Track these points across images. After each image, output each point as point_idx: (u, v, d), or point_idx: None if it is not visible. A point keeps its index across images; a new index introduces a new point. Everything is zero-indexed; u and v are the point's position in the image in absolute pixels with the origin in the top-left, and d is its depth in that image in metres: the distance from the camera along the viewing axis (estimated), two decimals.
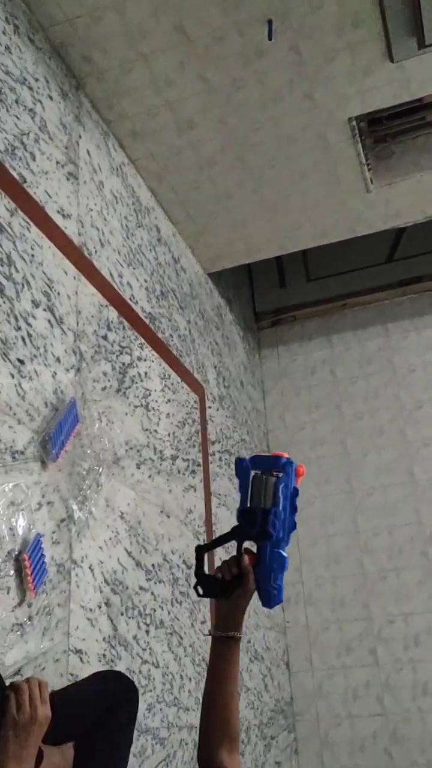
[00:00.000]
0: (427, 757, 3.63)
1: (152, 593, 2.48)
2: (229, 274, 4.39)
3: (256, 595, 1.23)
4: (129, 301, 2.81)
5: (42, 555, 1.80)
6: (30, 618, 1.75)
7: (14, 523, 1.75)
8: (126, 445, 2.51)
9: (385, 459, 4.28)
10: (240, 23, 2.50)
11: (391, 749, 3.70)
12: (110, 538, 2.25)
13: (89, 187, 2.64)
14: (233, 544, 1.27)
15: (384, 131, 3.19)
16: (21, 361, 1.94)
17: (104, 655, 2.08)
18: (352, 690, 3.87)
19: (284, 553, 1.22)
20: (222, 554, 1.40)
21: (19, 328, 1.97)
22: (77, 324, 2.33)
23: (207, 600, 2.95)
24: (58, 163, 2.41)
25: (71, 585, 1.97)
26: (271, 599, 1.23)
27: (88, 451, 2.23)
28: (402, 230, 4.41)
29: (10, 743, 1.19)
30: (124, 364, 2.64)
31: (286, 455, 1.26)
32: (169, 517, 2.75)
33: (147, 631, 2.39)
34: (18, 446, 1.83)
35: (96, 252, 2.59)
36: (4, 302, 1.92)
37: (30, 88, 2.29)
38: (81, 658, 1.95)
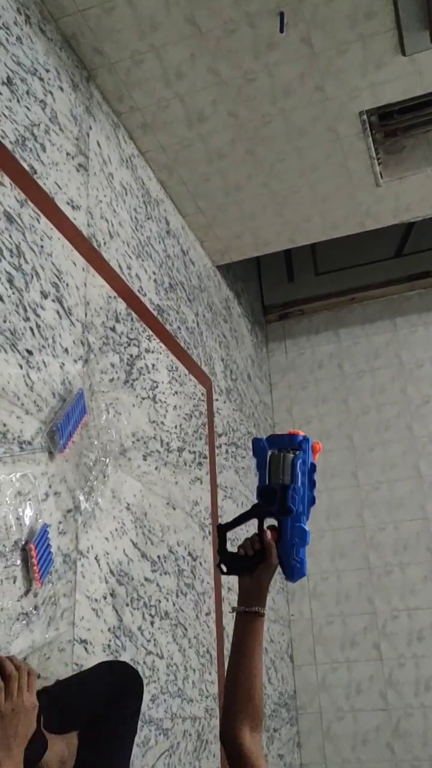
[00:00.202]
0: (429, 752, 3.65)
1: (157, 584, 2.49)
2: (237, 267, 4.38)
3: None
4: (137, 293, 2.82)
5: (48, 545, 1.81)
6: (36, 607, 1.76)
7: (21, 513, 1.76)
8: (133, 436, 2.52)
9: (391, 454, 4.28)
10: (251, 15, 2.49)
11: (394, 744, 3.71)
12: (116, 529, 2.26)
13: (99, 178, 2.64)
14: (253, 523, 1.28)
15: (395, 125, 3.17)
16: (29, 352, 1.95)
17: (109, 646, 2.10)
18: (355, 684, 3.88)
19: (305, 527, 1.24)
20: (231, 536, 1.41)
21: (27, 319, 1.98)
22: (86, 315, 2.34)
23: (210, 592, 2.97)
24: (68, 154, 2.41)
25: (77, 575, 1.98)
26: (294, 572, 1.25)
27: (95, 442, 2.24)
28: (411, 225, 4.38)
29: None
30: (131, 355, 2.64)
31: (302, 433, 1.29)
32: (175, 509, 2.76)
33: (152, 622, 2.40)
34: (26, 436, 1.84)
35: (105, 243, 2.59)
36: (14, 293, 1.93)
37: (41, 79, 2.29)
38: (86, 648, 1.97)
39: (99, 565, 2.11)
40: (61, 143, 2.37)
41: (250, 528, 1.33)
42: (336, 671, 3.93)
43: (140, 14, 2.47)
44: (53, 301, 2.13)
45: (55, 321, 2.12)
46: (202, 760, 2.60)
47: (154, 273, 3.02)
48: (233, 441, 3.76)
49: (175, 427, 2.95)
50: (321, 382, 4.63)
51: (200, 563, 2.91)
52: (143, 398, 2.67)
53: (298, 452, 1.26)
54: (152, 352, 2.85)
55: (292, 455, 1.26)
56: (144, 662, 2.29)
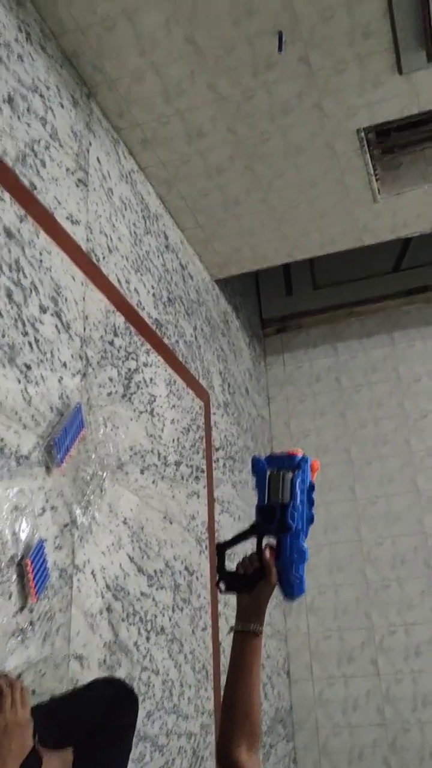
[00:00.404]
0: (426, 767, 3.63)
1: (153, 599, 2.49)
2: (236, 281, 4.40)
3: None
4: (136, 307, 2.83)
5: (44, 560, 1.81)
6: (31, 623, 1.76)
7: (17, 528, 1.76)
8: (130, 450, 2.52)
9: (389, 468, 4.28)
10: (250, 35, 2.52)
11: (390, 759, 3.69)
12: (113, 544, 2.26)
13: (99, 193, 2.66)
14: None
15: (392, 142, 3.19)
16: (28, 366, 1.96)
17: (105, 661, 2.09)
18: (352, 700, 3.86)
19: (304, 545, 1.25)
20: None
21: (26, 334, 1.99)
22: (84, 329, 2.35)
23: (207, 607, 2.96)
24: (68, 170, 2.43)
25: (73, 590, 1.98)
26: (293, 590, 1.26)
27: (93, 456, 2.24)
28: (409, 240, 4.42)
29: None
30: (129, 369, 2.65)
31: (300, 452, 1.29)
32: (171, 523, 2.76)
33: (147, 638, 2.39)
34: (23, 451, 1.85)
35: (104, 258, 2.61)
36: (12, 308, 1.94)
37: (42, 96, 2.31)
38: (81, 664, 1.96)
39: (95, 580, 2.11)
40: (61, 159, 2.39)
41: (249, 546, 1.33)
42: (333, 686, 3.91)
43: (140, 32, 2.50)
44: (52, 315, 2.14)
45: (53, 335, 2.13)
46: None
47: (152, 287, 3.04)
48: (230, 455, 3.76)
49: (173, 440, 2.95)
50: (319, 395, 4.64)
51: (197, 578, 2.91)
52: (141, 412, 2.68)
53: (297, 471, 1.27)
54: (150, 365, 2.86)
55: (291, 474, 1.26)
56: (140, 678, 2.28)
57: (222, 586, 1.26)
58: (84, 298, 2.39)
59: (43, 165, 2.26)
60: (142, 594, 2.41)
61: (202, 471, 3.25)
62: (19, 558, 1.74)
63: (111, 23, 2.45)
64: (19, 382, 1.90)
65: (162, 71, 2.65)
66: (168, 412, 2.96)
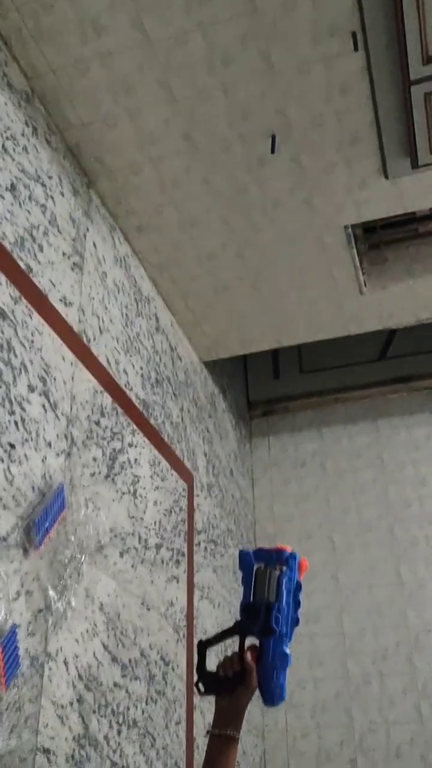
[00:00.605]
0: None
1: (127, 690, 2.40)
2: (224, 363, 4.47)
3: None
4: (124, 388, 2.86)
5: (16, 647, 1.76)
6: None
7: None
8: (111, 532, 2.49)
9: (372, 557, 4.23)
10: (244, 135, 2.66)
11: None
12: (87, 631, 2.20)
13: (93, 277, 2.73)
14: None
15: (378, 238, 3.33)
16: (12, 446, 1.96)
17: (73, 756, 2.00)
18: None
19: (287, 650, 1.23)
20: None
21: (13, 413, 2.00)
22: (71, 409, 2.36)
23: (182, 699, 2.86)
24: (64, 254, 2.50)
25: (44, 679, 1.91)
26: (273, 698, 1.22)
27: (72, 538, 2.21)
28: (394, 330, 4.53)
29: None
30: (114, 449, 2.65)
31: (289, 548, 1.29)
32: (149, 609, 2.70)
33: (119, 731, 2.30)
34: (1, 532, 1.82)
35: (95, 339, 2.65)
36: (1, 387, 1.95)
37: (43, 185, 2.41)
38: (48, 759, 1.88)
39: (67, 669, 2.05)
40: (59, 244, 2.47)
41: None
42: None
43: (141, 130, 2.63)
44: (40, 395, 2.16)
45: (40, 414, 2.14)
46: None
47: (141, 368, 3.08)
48: (212, 538, 3.71)
49: (154, 522, 2.92)
50: (303, 479, 4.64)
51: (172, 668, 2.82)
52: (124, 493, 2.66)
53: (284, 569, 1.26)
54: (135, 446, 2.86)
55: (278, 572, 1.25)
56: None
57: (201, 687, 1.23)
58: (73, 378, 2.42)
59: (41, 249, 2.33)
60: (115, 684, 2.32)
61: (183, 554, 3.20)
62: None
63: (113, 121, 2.59)
64: (3, 461, 1.90)
65: (159, 165, 2.78)
66: (151, 494, 2.94)
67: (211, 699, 1.28)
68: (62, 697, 2.00)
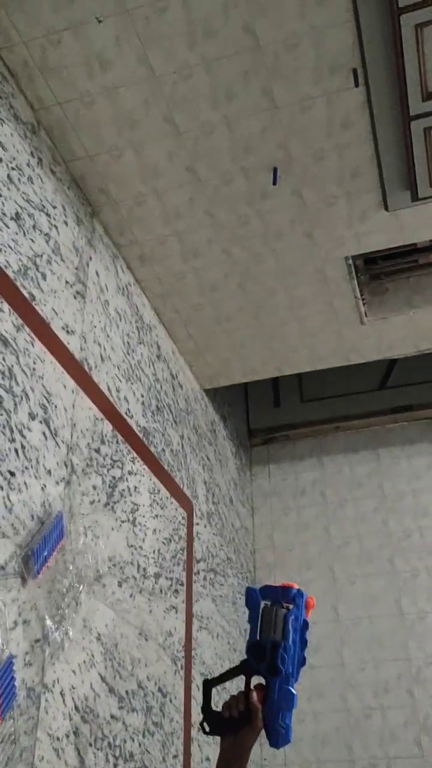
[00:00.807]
0: None
1: (124, 723, 2.37)
2: (225, 391, 4.48)
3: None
4: (125, 415, 2.86)
5: (13, 678, 1.74)
6: None
7: None
8: (109, 561, 2.48)
9: (372, 588, 4.20)
10: (247, 169, 2.70)
11: None
12: (84, 662, 2.18)
13: (95, 305, 2.76)
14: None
15: (379, 270, 3.36)
16: (12, 473, 1.96)
17: None
18: None
19: (294, 690, 1.21)
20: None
21: (13, 440, 2.00)
22: (71, 437, 2.36)
23: (180, 732, 2.82)
24: (67, 282, 2.53)
25: (40, 711, 1.89)
26: (279, 739, 1.21)
27: (70, 567, 2.20)
28: (395, 360, 4.55)
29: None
30: (114, 477, 2.65)
31: (296, 586, 1.28)
32: (147, 639, 2.67)
33: (115, 765, 2.26)
34: None
35: (96, 367, 2.66)
36: (2, 414, 1.96)
37: (47, 215, 2.44)
38: None
39: (64, 701, 2.02)
40: (62, 273, 2.50)
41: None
42: None
43: (145, 162, 2.68)
44: (40, 422, 2.17)
45: (40, 442, 2.15)
46: None
47: (142, 396, 3.09)
48: (212, 567, 3.69)
49: (153, 551, 2.90)
50: (303, 509, 4.62)
51: (170, 700, 2.78)
52: (123, 521, 2.65)
53: (291, 607, 1.25)
54: (135, 474, 2.86)
55: (285, 611, 1.24)
56: None
57: (206, 726, 1.21)
58: (73, 406, 2.43)
59: (44, 278, 2.35)
60: (112, 717, 2.29)
61: (182, 584, 3.18)
62: None
63: (118, 153, 2.63)
64: (2, 489, 1.90)
65: (163, 197, 2.82)
66: (150, 522, 2.92)
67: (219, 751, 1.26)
68: (58, 730, 1.97)
